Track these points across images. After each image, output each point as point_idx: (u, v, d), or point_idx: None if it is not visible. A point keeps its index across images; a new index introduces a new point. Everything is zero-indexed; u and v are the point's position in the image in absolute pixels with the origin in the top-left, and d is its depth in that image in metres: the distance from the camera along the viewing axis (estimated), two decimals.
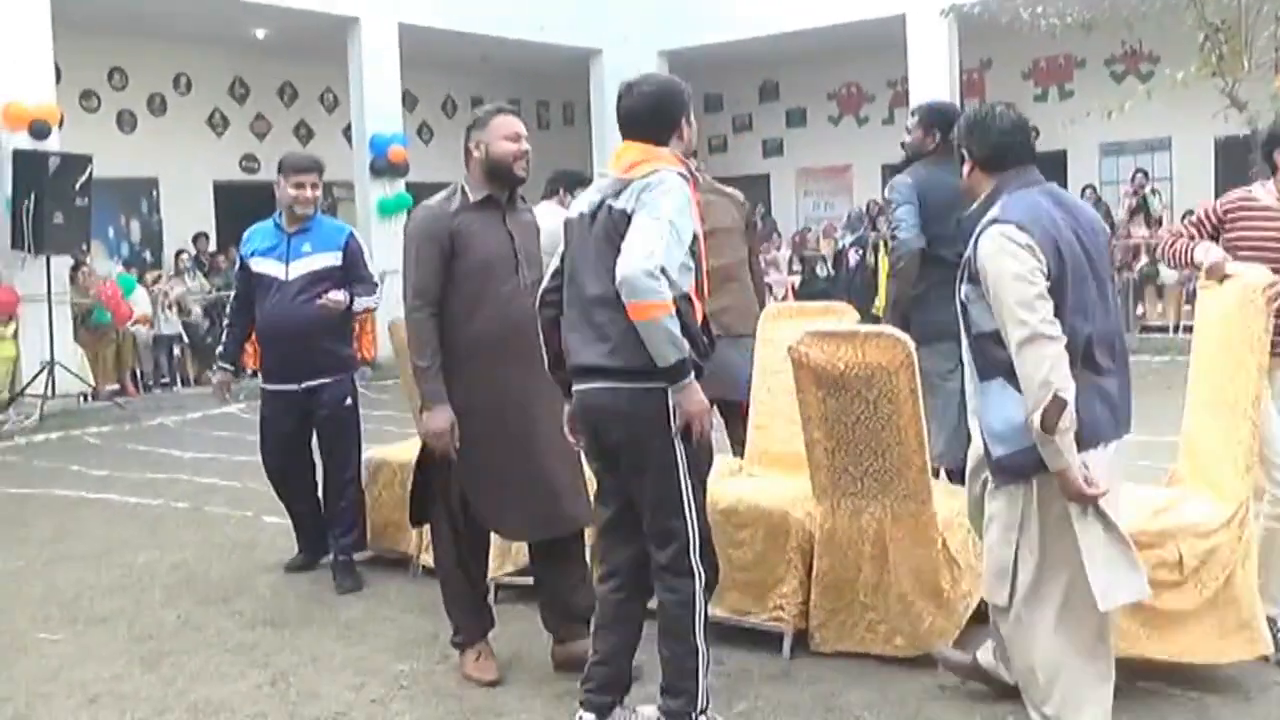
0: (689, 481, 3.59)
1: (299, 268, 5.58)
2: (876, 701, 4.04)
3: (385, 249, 15.43)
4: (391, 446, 6.30)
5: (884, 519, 4.33)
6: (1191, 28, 12.68)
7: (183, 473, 8.56)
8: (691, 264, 3.55)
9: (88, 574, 6.07)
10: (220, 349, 6.06)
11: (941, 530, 4.30)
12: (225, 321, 6.02)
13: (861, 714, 3.95)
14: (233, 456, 9.14)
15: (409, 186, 15.80)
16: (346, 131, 17.21)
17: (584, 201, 3.74)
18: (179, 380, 14.19)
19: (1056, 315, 3.32)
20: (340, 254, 5.68)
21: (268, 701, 4.30)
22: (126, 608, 5.46)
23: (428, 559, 5.61)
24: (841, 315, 5.28)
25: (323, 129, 18.26)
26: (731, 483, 4.88)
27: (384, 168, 15.36)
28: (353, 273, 5.74)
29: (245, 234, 5.85)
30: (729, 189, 6.06)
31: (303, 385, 5.63)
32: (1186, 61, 12.97)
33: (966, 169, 3.70)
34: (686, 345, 3.45)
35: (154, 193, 16.55)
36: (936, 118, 5.40)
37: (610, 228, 3.56)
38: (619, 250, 3.46)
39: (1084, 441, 3.34)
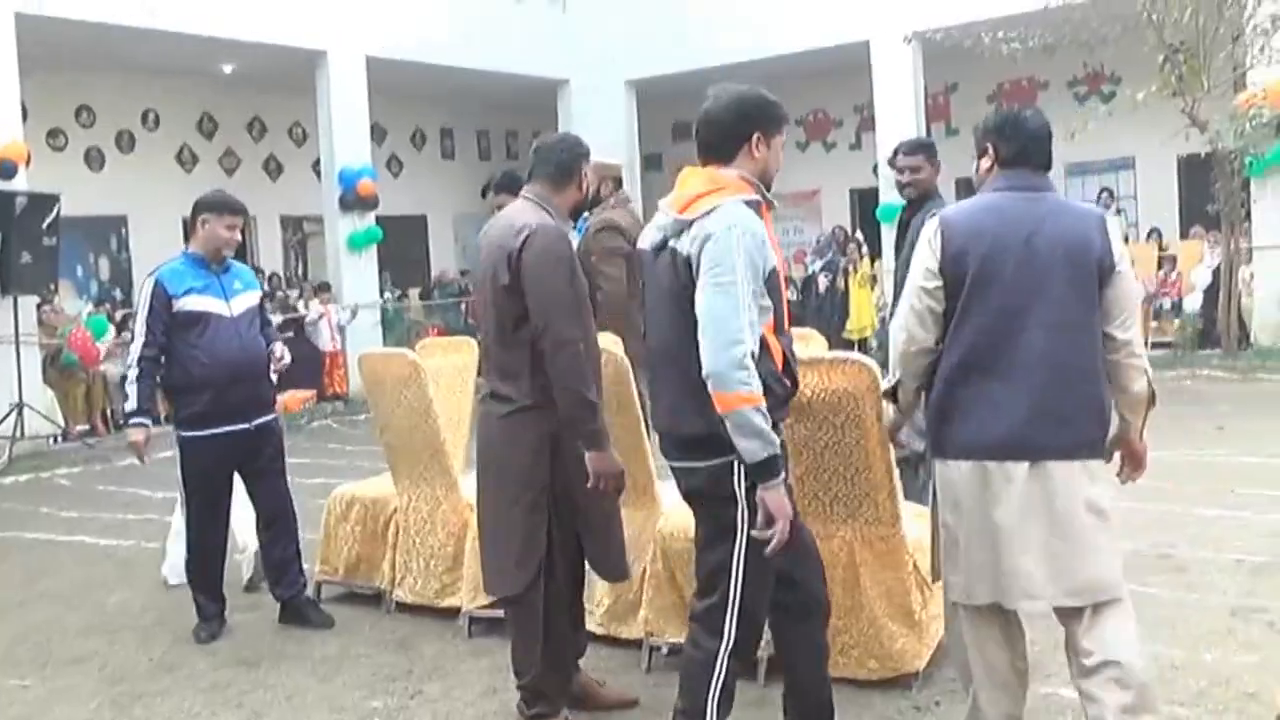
0: (745, 548, 3.36)
1: (240, 304, 5.47)
2: None
3: (356, 283, 15.59)
4: (361, 483, 6.29)
5: (854, 543, 4.35)
6: (1153, 49, 12.89)
7: (154, 512, 8.45)
8: (768, 301, 3.32)
9: (59, 616, 6.00)
10: (135, 403, 5.36)
11: (911, 552, 4.32)
12: (136, 371, 5.31)
13: None
14: None
15: (379, 220, 15.82)
16: (316, 165, 17.20)
17: (648, 238, 3.51)
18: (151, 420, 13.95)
19: (952, 312, 3.39)
20: (259, 292, 5.76)
21: None
22: (99, 649, 5.40)
23: (401, 594, 5.62)
24: (808, 341, 5.30)
25: (292, 163, 18.28)
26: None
27: (353, 201, 15.32)
28: (263, 311, 5.81)
29: (160, 275, 5.37)
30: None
31: (254, 423, 5.47)
32: (1148, 82, 13.18)
33: (986, 165, 3.57)
34: (777, 439, 3.23)
35: (123, 230, 16.49)
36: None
37: (674, 276, 3.34)
38: (689, 301, 3.27)
39: (954, 449, 3.42)
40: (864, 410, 4.13)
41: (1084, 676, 3.37)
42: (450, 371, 6.06)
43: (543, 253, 3.85)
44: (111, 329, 13.90)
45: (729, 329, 3.18)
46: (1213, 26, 12.87)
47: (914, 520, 4.46)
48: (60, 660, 5.28)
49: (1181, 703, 4.06)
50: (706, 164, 3.47)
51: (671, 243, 3.37)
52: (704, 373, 3.20)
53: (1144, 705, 3.28)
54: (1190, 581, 5.42)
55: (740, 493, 3.32)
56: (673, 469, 3.53)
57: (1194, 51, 12.90)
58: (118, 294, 16.06)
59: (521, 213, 4.00)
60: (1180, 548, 5.95)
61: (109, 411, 13.45)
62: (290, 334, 13.27)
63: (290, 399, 12.43)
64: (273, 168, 18.21)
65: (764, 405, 3.18)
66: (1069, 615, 3.41)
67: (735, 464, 3.29)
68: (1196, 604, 5.09)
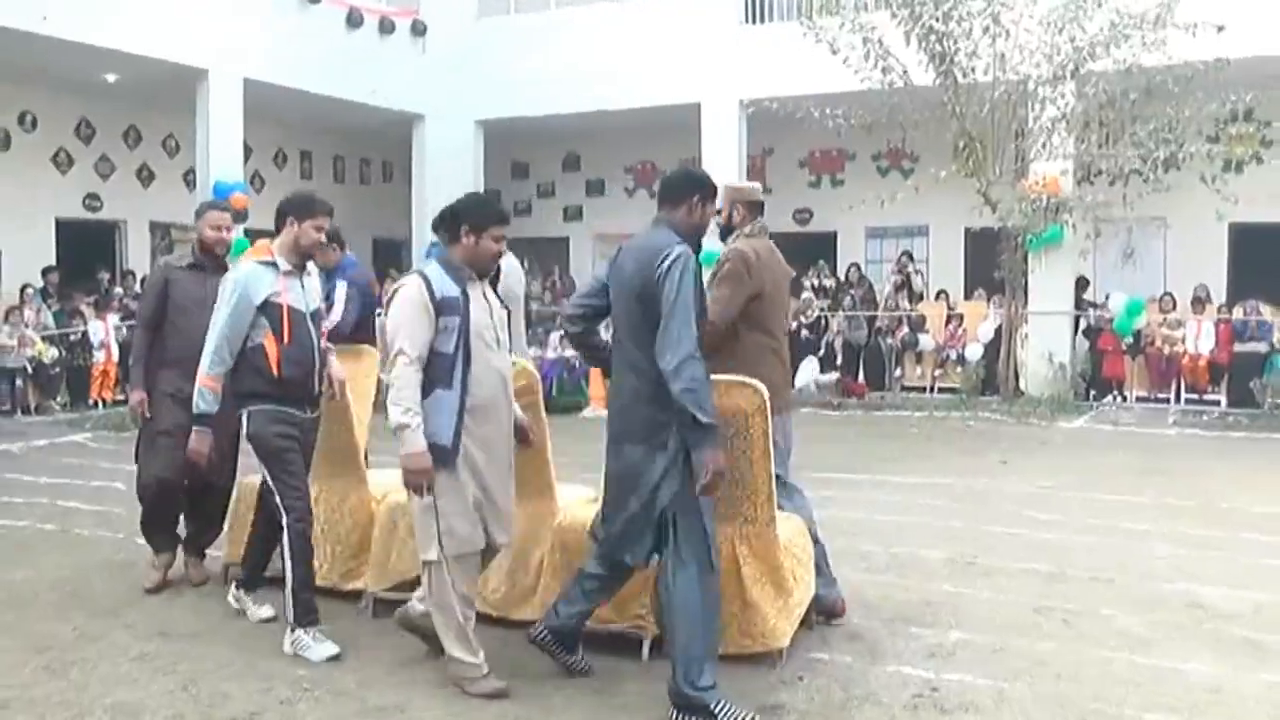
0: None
1: None
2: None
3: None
4: None
5: (734, 537, 4.64)
6: (953, 135, 13.84)
7: (41, 496, 8.24)
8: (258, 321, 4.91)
9: None
10: None
11: (784, 547, 4.70)
12: None
13: None
14: (89, 482, 8.86)
15: (245, 232, 15.56)
16: (186, 175, 17.02)
17: None
18: (20, 409, 13.46)
19: None
20: None
21: (183, 704, 4.27)
22: (14, 622, 5.26)
23: None
24: None
25: (164, 173, 17.87)
26: (595, 509, 5.17)
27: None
28: None
29: None
30: None
31: None
32: (941, 162, 14.11)
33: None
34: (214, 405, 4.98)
35: None
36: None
37: None
38: None
39: None
40: (752, 426, 4.47)
41: None
42: (353, 378, 6.16)
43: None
44: None
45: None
46: (1005, 122, 13.94)
47: (783, 522, 4.86)
48: None
49: (1005, 679, 4.55)
50: None
51: None
52: None
53: None
54: (995, 584, 5.95)
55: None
56: None
57: (987, 141, 13.93)
58: None
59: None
60: (982, 557, 6.51)
61: None
62: None
63: None
64: (145, 175, 17.76)
65: (207, 388, 4.93)
66: None
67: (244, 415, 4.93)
68: (1003, 602, 5.60)
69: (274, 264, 4.97)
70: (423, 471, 4.19)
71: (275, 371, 4.90)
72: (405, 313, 4.26)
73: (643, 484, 4.07)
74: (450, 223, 4.42)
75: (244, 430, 5.01)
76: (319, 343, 5.13)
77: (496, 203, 4.72)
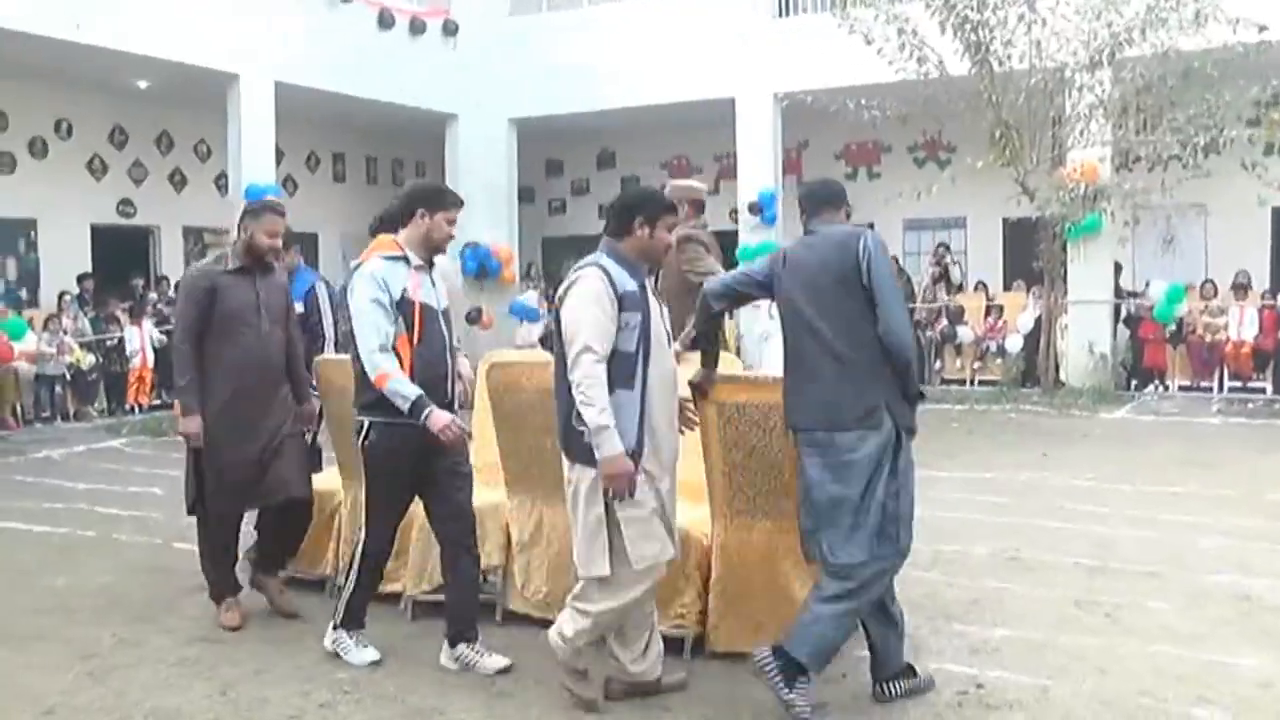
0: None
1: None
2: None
3: None
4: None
5: (774, 531, 4.61)
6: (990, 124, 13.73)
7: (80, 502, 8.33)
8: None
9: (7, 597, 5.87)
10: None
11: None
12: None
13: (763, 699, 4.18)
14: (128, 487, 8.95)
15: None
16: (218, 180, 17.12)
17: None
18: (59, 415, 13.67)
19: None
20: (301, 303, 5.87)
21: (222, 708, 4.30)
22: (57, 627, 5.33)
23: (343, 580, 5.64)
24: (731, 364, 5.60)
25: (196, 177, 18.02)
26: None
27: None
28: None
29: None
30: None
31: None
32: (979, 152, 14.00)
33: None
34: (409, 395, 4.43)
35: (32, 233, 16.01)
36: None
37: None
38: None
39: None
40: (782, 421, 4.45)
41: None
42: None
43: None
44: (30, 333, 13.49)
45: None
46: (1042, 110, 13.82)
47: None
48: (22, 636, 5.20)
49: (1050, 675, 4.50)
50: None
51: None
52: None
53: None
54: (1038, 579, 5.91)
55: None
56: None
57: (1024, 130, 13.81)
58: (24, 294, 15.58)
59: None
60: (1025, 551, 6.46)
61: (18, 407, 13.10)
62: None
63: None
64: (178, 180, 17.90)
65: (395, 378, 4.42)
66: None
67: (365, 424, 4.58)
68: (1046, 597, 5.55)
69: (404, 259, 4.63)
70: (627, 474, 3.96)
71: (409, 375, 4.51)
72: (588, 307, 4.02)
73: (859, 471, 3.97)
74: (620, 215, 4.23)
75: (361, 437, 4.63)
76: (452, 342, 4.80)
77: (663, 193, 4.54)
